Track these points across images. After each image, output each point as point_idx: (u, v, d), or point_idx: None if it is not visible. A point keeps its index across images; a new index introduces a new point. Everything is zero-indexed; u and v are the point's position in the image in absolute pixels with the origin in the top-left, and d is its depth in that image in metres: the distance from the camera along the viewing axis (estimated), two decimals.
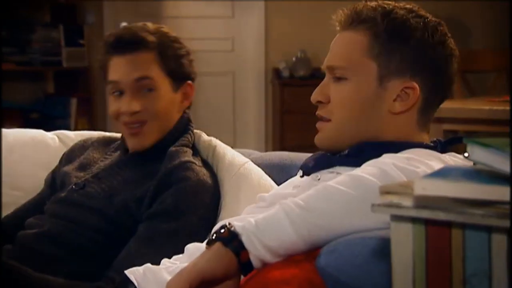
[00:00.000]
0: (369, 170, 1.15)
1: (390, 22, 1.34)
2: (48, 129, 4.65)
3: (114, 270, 1.56)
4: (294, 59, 5.02)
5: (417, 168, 1.15)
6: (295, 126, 4.82)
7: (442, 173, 0.90)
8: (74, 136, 1.94)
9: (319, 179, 1.38)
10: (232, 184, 1.68)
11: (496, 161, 0.87)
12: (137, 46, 1.66)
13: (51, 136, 1.94)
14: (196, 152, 1.75)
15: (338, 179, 1.16)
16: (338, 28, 1.40)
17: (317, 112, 1.39)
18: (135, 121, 1.66)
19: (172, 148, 1.68)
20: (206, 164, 1.73)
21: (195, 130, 1.80)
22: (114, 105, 1.68)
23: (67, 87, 4.82)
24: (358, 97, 1.34)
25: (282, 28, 5.20)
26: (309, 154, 1.50)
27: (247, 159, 1.75)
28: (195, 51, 5.56)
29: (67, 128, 4.71)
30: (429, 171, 1.15)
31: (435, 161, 1.25)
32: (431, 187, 0.87)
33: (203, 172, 1.67)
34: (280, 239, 1.10)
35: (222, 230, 1.13)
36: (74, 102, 4.69)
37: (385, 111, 1.35)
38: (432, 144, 1.40)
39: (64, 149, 1.87)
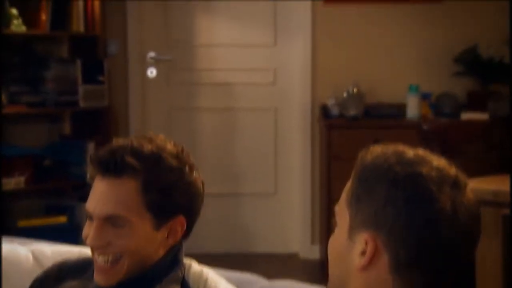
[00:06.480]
0: None
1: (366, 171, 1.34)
2: (62, 177, 4.67)
3: None
4: (345, 94, 4.93)
5: None
6: (344, 175, 4.69)
7: None
8: (51, 254, 1.91)
9: None
10: None
11: None
12: (119, 171, 1.62)
13: (25, 254, 1.91)
14: (185, 285, 1.71)
15: None
16: None
17: None
18: (101, 253, 1.64)
19: (158, 287, 1.65)
20: None
21: (185, 260, 1.75)
22: (86, 229, 1.66)
23: (85, 128, 4.84)
24: (332, 249, 1.37)
25: (331, 58, 5.11)
26: None
27: None
28: (231, 84, 5.57)
29: (83, 176, 4.73)
30: None
31: None
32: None
33: None
34: None
35: None
36: (91, 146, 4.71)
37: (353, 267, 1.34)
38: None
39: (38, 270, 1.84)
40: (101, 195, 1.63)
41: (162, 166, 1.64)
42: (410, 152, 1.34)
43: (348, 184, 1.36)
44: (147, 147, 1.65)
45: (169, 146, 1.67)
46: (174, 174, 1.64)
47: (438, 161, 1.33)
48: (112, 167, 1.62)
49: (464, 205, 1.31)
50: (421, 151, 1.35)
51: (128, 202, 1.62)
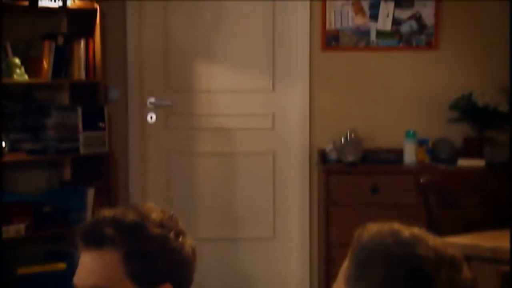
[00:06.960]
0: None
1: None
2: (62, 223, 4.68)
3: None
4: (342, 140, 4.99)
5: None
6: (343, 220, 4.76)
7: None
8: None
9: None
10: None
11: None
12: (99, 243, 1.64)
13: None
14: None
15: None
16: None
17: None
18: None
19: None
20: None
21: None
22: None
23: (85, 175, 4.88)
24: None
25: (329, 104, 5.18)
26: None
27: None
28: (230, 129, 5.59)
29: (83, 222, 4.77)
30: None
31: None
32: None
33: None
34: None
35: None
36: (91, 192, 4.75)
37: None
38: None
39: None
40: (84, 268, 1.66)
41: (143, 235, 1.65)
42: (405, 232, 1.37)
43: (345, 264, 1.38)
44: (129, 217, 1.66)
45: (154, 214, 1.69)
46: (156, 242, 1.65)
47: (434, 241, 1.36)
48: (92, 239, 1.65)
49: (461, 285, 1.35)
50: (416, 230, 1.38)
51: (110, 273, 1.64)
